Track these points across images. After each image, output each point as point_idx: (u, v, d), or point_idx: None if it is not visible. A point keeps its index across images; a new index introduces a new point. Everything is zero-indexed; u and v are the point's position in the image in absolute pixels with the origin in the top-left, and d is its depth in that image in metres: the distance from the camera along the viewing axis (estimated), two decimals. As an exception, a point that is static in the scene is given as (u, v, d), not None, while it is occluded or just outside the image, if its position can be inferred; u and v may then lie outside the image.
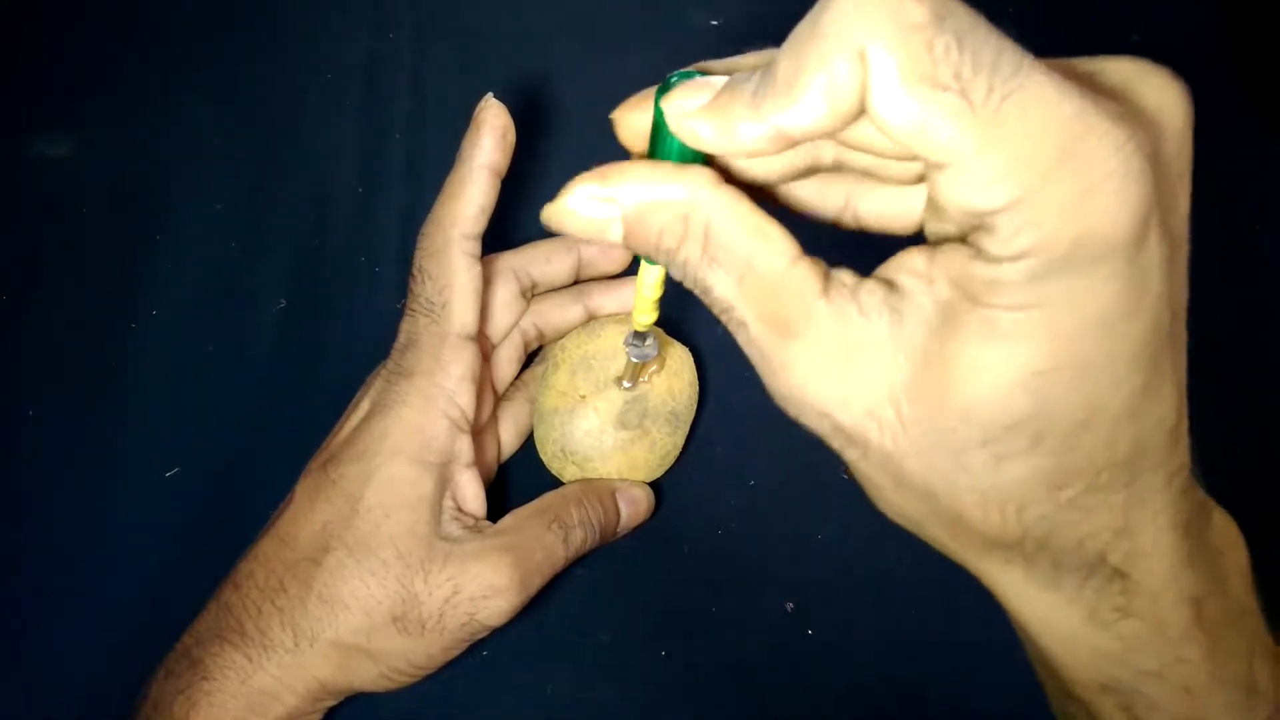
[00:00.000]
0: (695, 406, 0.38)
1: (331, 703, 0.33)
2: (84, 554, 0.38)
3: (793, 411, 0.23)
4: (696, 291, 0.22)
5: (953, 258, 0.20)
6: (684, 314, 0.41)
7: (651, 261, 0.24)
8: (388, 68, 0.47)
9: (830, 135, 0.20)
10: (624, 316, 0.38)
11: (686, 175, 0.22)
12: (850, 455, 0.23)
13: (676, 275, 0.23)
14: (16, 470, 0.39)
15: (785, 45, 0.19)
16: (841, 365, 0.21)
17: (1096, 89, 0.19)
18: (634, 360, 0.33)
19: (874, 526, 0.38)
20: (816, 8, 0.19)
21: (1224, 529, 0.24)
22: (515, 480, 0.39)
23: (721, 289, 0.22)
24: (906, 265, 0.21)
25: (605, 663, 0.36)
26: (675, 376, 0.36)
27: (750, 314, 0.21)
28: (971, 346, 0.20)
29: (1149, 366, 0.20)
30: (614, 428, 0.35)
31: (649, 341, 0.32)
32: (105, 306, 0.42)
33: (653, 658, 0.36)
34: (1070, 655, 0.24)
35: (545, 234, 0.43)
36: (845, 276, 0.21)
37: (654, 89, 0.23)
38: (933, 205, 0.21)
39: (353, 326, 0.42)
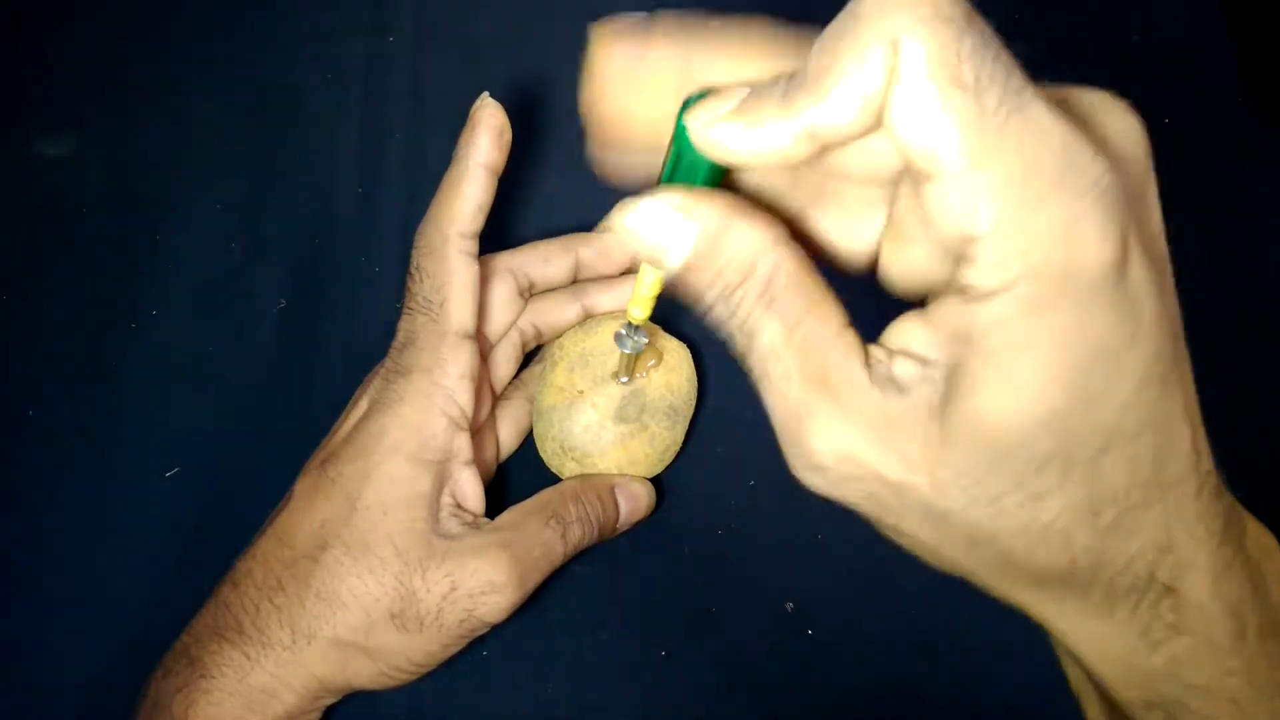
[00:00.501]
0: (694, 402, 0.37)
1: (330, 700, 0.33)
2: (84, 554, 0.38)
3: (819, 479, 0.23)
4: (735, 334, 0.22)
5: (945, 313, 0.20)
6: (682, 312, 0.41)
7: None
8: (388, 68, 0.47)
9: (856, 136, 0.20)
10: (620, 314, 0.38)
11: (764, 219, 0.21)
12: (887, 520, 0.23)
13: (718, 313, 0.22)
14: (16, 470, 0.39)
15: (816, 45, 0.19)
16: (878, 431, 0.21)
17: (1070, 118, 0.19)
18: (625, 352, 0.33)
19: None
20: (852, 3, 0.19)
21: (1258, 536, 0.24)
22: (515, 478, 0.39)
23: (770, 337, 0.21)
24: (909, 334, 0.21)
25: (605, 663, 0.36)
26: (673, 371, 0.36)
27: (794, 368, 0.21)
28: (982, 399, 0.20)
29: (1158, 385, 0.20)
30: (612, 422, 0.35)
31: (639, 333, 0.32)
32: (105, 306, 0.42)
33: (653, 658, 0.36)
34: (1121, 676, 0.24)
35: (543, 234, 0.43)
36: (877, 350, 0.22)
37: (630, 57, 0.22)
38: (898, 231, 0.22)
39: (353, 326, 0.42)
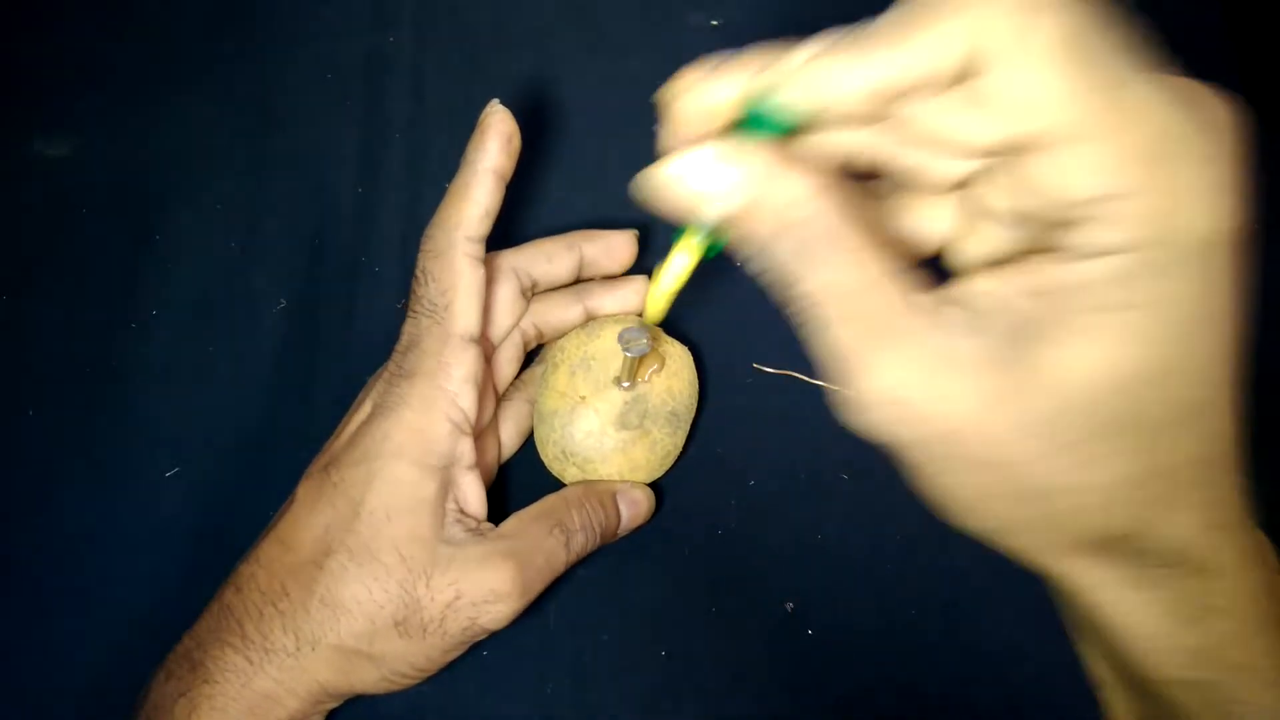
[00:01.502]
0: (695, 406, 0.37)
1: (332, 705, 0.33)
2: (84, 554, 0.38)
3: (869, 417, 0.22)
4: (777, 282, 0.22)
5: (1026, 271, 0.21)
6: (684, 314, 0.41)
7: (693, 245, 0.24)
8: (388, 68, 0.47)
9: (933, 90, 0.20)
10: (623, 316, 0.38)
11: (805, 169, 0.21)
12: (930, 469, 0.22)
13: (758, 262, 0.22)
14: (16, 470, 0.39)
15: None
16: (931, 373, 0.21)
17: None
18: (629, 356, 0.33)
19: (874, 526, 0.38)
20: None
21: (1258, 536, 0.24)
22: (515, 480, 0.39)
23: (814, 284, 0.21)
24: (974, 288, 0.22)
25: (605, 663, 0.36)
26: (675, 376, 0.36)
27: (835, 313, 0.21)
28: (1063, 352, 0.20)
29: (1220, 370, 0.21)
30: (614, 429, 0.35)
31: (645, 337, 0.32)
32: (105, 306, 0.42)
33: (653, 658, 0.36)
34: (1155, 653, 0.24)
35: (542, 232, 0.43)
36: (939, 297, 0.22)
37: (713, 69, 0.22)
38: (977, 208, 0.22)
39: (353, 326, 0.42)
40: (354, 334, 0.42)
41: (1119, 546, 0.22)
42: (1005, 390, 0.21)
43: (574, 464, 0.36)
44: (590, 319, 0.38)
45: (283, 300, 0.42)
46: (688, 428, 0.37)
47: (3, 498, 0.39)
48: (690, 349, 0.38)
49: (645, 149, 0.46)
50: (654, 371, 0.36)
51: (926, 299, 0.21)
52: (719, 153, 0.21)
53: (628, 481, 0.36)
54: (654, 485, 0.38)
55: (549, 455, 0.36)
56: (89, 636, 0.37)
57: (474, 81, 0.46)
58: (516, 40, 0.47)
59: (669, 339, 0.38)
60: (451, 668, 0.36)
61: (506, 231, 0.43)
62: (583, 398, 0.36)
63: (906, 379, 0.21)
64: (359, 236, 0.43)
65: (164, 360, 0.41)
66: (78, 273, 0.43)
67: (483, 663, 0.36)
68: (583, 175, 0.44)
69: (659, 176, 0.22)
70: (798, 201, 0.21)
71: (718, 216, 0.22)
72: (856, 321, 0.21)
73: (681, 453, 0.38)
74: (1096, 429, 0.21)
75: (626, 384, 0.35)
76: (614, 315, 0.38)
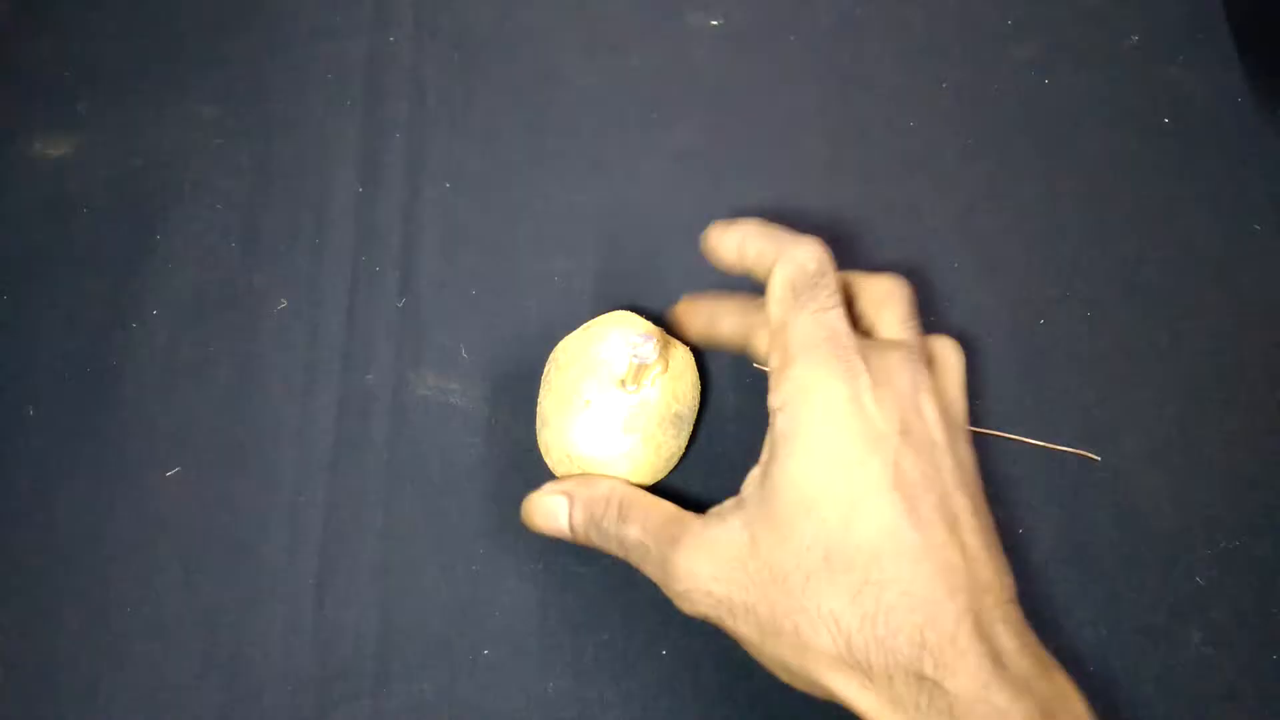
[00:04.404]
0: (698, 407, 0.37)
1: None
2: (83, 554, 0.38)
3: (689, 606, 0.31)
4: (613, 541, 0.34)
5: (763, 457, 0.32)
6: (684, 314, 0.41)
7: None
8: (388, 68, 0.47)
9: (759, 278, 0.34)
10: (624, 315, 0.38)
11: (611, 480, 0.35)
12: (729, 624, 0.30)
13: (598, 534, 0.34)
14: (16, 470, 0.39)
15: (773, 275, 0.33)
16: (710, 553, 0.31)
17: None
18: (635, 362, 0.33)
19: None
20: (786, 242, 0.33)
21: (1064, 691, 0.28)
22: (517, 481, 0.39)
23: (633, 535, 0.33)
24: (746, 480, 0.32)
25: (605, 662, 0.36)
26: (679, 379, 0.36)
27: (651, 541, 0.32)
28: (770, 489, 0.30)
29: (907, 515, 0.28)
30: (619, 432, 0.35)
31: (651, 342, 0.32)
32: (105, 306, 0.42)
33: (653, 657, 0.36)
34: None
35: (542, 232, 0.43)
36: (711, 511, 0.32)
37: (735, 220, 0.35)
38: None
39: (353, 327, 0.42)
40: (354, 334, 0.42)
41: (864, 661, 0.27)
42: (753, 544, 0.30)
43: (578, 467, 0.36)
44: (591, 319, 0.38)
45: (283, 300, 0.42)
46: (690, 429, 0.37)
47: (3, 498, 0.39)
48: (691, 349, 0.38)
49: (645, 148, 0.46)
50: (658, 375, 0.36)
51: (709, 511, 0.32)
52: (556, 487, 0.35)
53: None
54: (657, 486, 0.37)
55: (553, 459, 0.36)
56: (88, 636, 0.37)
57: (474, 81, 0.46)
58: (516, 40, 0.47)
59: (673, 340, 0.38)
60: (451, 667, 0.36)
61: (503, 230, 0.43)
62: (587, 401, 0.35)
63: (695, 568, 0.31)
64: (359, 236, 0.43)
65: (164, 360, 0.41)
66: (78, 273, 0.43)
67: (483, 662, 0.36)
68: (583, 175, 0.44)
69: (526, 506, 0.36)
70: (609, 492, 0.34)
71: (569, 516, 0.35)
72: (663, 543, 0.32)
73: (683, 454, 0.37)
74: (804, 549, 0.29)
75: (632, 388, 0.35)
76: (614, 316, 0.38)
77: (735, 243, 0.34)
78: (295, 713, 0.36)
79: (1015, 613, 0.29)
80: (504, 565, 0.38)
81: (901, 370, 0.31)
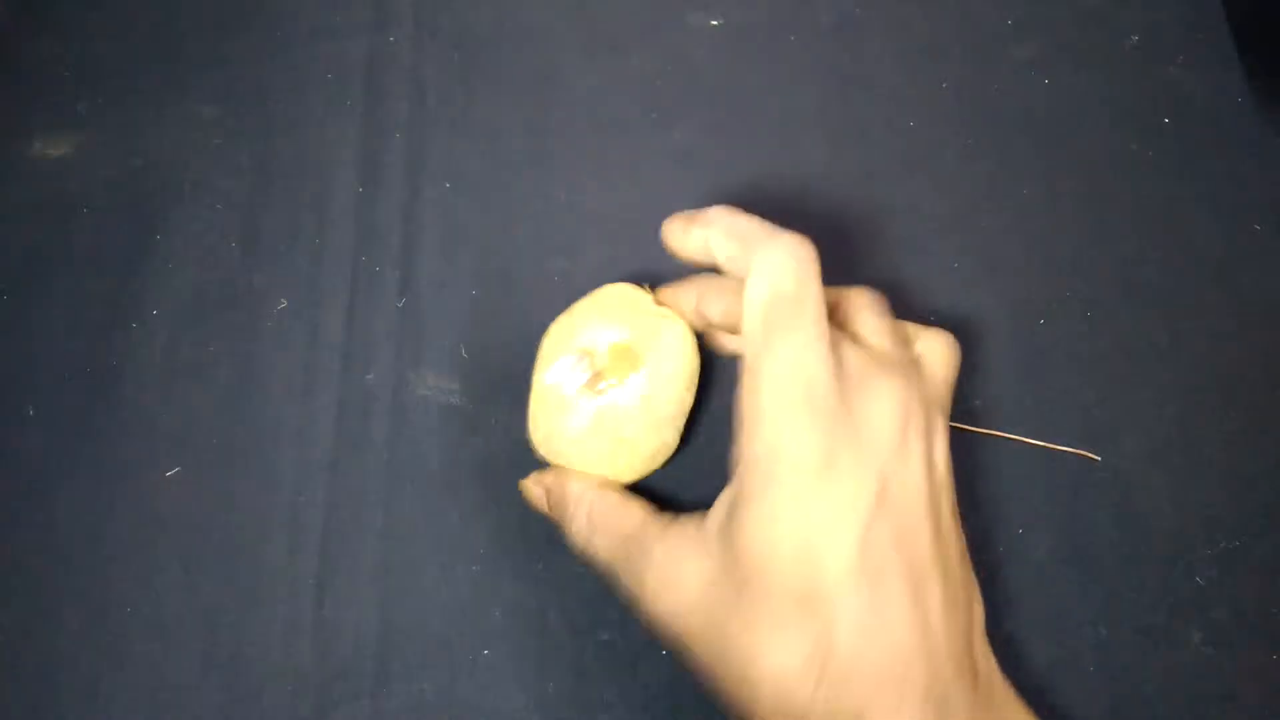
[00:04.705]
0: (690, 396, 0.36)
1: None
2: (84, 554, 0.38)
3: (659, 630, 0.31)
4: (582, 548, 0.33)
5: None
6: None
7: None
8: (388, 68, 0.47)
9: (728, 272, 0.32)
10: (607, 296, 0.36)
11: (586, 478, 0.35)
12: (689, 653, 0.30)
13: (568, 538, 0.34)
14: (16, 470, 0.39)
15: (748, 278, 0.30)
16: (674, 576, 0.30)
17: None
18: (565, 394, 0.35)
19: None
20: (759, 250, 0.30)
21: None
22: (517, 481, 0.39)
23: (601, 544, 0.33)
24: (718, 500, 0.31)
25: (606, 662, 0.36)
26: (654, 374, 0.35)
27: (619, 555, 0.32)
28: (739, 526, 0.29)
29: (877, 583, 0.27)
30: (590, 432, 0.35)
31: (577, 370, 0.34)
32: (105, 306, 0.42)
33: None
34: None
35: (541, 231, 0.43)
36: (668, 520, 0.32)
37: (699, 213, 0.33)
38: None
39: (353, 326, 0.42)
40: (354, 334, 0.42)
41: (826, 718, 0.27)
42: (716, 586, 0.29)
43: (561, 461, 0.35)
44: (574, 304, 0.37)
45: (283, 300, 0.42)
46: (680, 422, 0.36)
47: (3, 498, 0.39)
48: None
49: (646, 148, 0.46)
50: (613, 385, 0.35)
51: (671, 519, 0.32)
52: (539, 478, 0.36)
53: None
54: (653, 486, 0.37)
55: (539, 454, 0.36)
56: (88, 636, 0.37)
57: (474, 81, 0.46)
58: (516, 40, 0.47)
59: (667, 314, 0.36)
60: (451, 667, 0.36)
61: (502, 230, 0.43)
62: (561, 399, 0.35)
63: (664, 585, 0.30)
64: (359, 236, 0.43)
65: (164, 360, 0.41)
66: (78, 273, 0.43)
67: (483, 662, 0.36)
68: (583, 175, 0.44)
69: (523, 486, 0.36)
70: (587, 490, 0.34)
71: (547, 504, 0.35)
72: (636, 551, 0.31)
73: (680, 450, 0.37)
74: (774, 599, 0.28)
75: (602, 386, 0.34)
76: (600, 296, 0.36)
77: (699, 245, 0.32)
78: (295, 713, 0.36)
79: (983, 665, 0.29)
80: (504, 565, 0.38)
81: (888, 412, 0.29)
